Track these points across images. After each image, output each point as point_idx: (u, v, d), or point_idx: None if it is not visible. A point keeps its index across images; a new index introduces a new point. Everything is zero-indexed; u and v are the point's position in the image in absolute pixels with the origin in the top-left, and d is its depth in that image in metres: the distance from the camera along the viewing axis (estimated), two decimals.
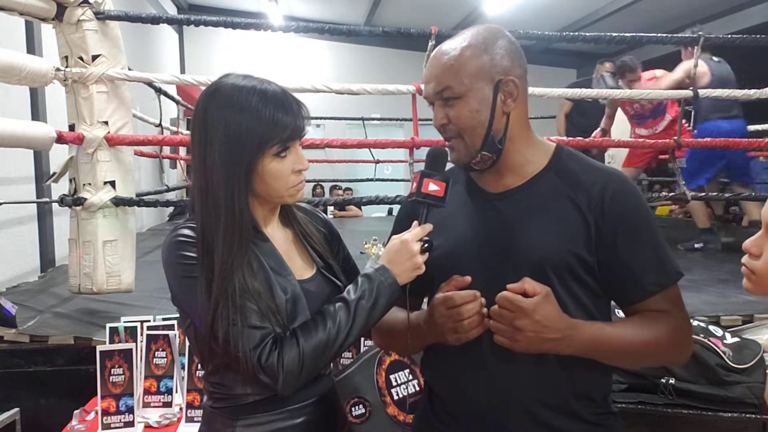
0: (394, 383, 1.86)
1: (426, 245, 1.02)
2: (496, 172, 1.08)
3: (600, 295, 1.04)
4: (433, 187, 1.01)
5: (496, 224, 1.06)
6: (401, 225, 1.16)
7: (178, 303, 1.04)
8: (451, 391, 1.09)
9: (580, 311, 1.01)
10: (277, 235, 1.10)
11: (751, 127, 4.92)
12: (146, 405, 1.82)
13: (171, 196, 5.03)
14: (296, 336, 0.97)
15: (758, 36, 3.27)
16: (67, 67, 2.38)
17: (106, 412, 1.71)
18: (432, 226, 1.04)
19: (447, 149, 1.09)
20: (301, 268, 1.09)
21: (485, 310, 0.97)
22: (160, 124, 4.71)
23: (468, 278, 1.00)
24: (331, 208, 7.17)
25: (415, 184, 1.02)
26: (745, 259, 0.94)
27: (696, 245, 4.02)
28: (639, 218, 1.03)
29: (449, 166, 1.20)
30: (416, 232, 1.02)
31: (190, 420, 1.74)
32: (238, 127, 0.97)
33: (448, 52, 1.04)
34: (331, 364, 1.19)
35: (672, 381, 1.83)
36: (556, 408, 1.02)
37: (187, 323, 1.04)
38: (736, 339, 1.97)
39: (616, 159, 5.26)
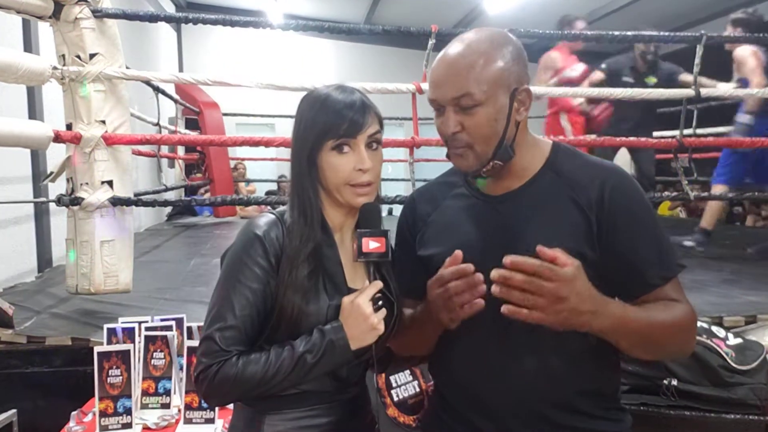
0: (395, 384, 1.84)
1: (380, 303, 1.03)
2: (497, 175, 1.07)
3: (605, 292, 1.03)
4: (373, 244, 1.03)
5: (498, 227, 1.06)
6: (402, 234, 1.18)
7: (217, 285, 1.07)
8: (460, 390, 1.09)
9: None
10: (348, 243, 1.12)
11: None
12: (144, 406, 1.81)
13: (169, 195, 5.02)
14: (240, 362, 0.99)
15: (758, 36, 3.27)
16: (64, 65, 2.37)
17: (103, 414, 1.70)
18: (381, 283, 1.03)
19: (451, 156, 1.07)
20: (362, 281, 1.11)
21: (484, 287, 0.93)
22: (158, 123, 4.70)
23: (459, 252, 0.96)
24: None
25: (354, 245, 1.04)
26: None
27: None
28: (638, 212, 1.03)
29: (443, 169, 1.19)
30: (368, 291, 1.02)
31: (188, 421, 1.73)
32: (307, 120, 1.07)
33: (465, 56, 1.00)
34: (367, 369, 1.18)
35: (674, 382, 1.82)
36: (564, 406, 1.02)
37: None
38: (739, 340, 1.96)
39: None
